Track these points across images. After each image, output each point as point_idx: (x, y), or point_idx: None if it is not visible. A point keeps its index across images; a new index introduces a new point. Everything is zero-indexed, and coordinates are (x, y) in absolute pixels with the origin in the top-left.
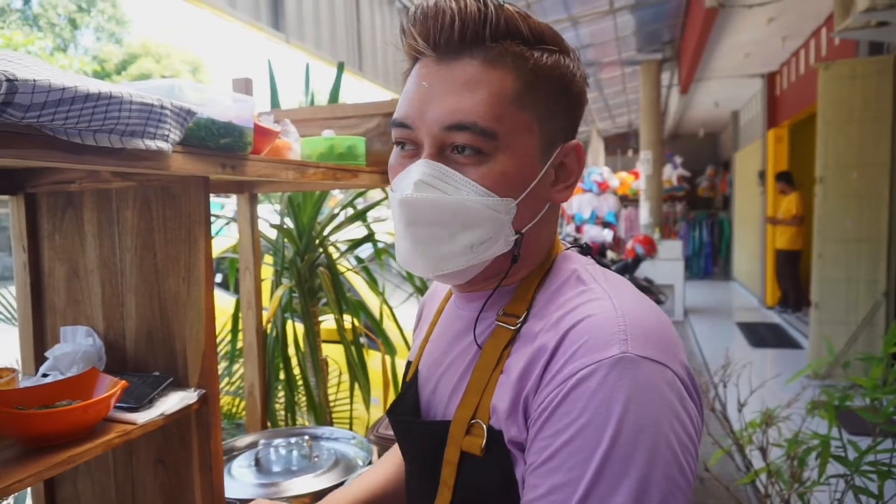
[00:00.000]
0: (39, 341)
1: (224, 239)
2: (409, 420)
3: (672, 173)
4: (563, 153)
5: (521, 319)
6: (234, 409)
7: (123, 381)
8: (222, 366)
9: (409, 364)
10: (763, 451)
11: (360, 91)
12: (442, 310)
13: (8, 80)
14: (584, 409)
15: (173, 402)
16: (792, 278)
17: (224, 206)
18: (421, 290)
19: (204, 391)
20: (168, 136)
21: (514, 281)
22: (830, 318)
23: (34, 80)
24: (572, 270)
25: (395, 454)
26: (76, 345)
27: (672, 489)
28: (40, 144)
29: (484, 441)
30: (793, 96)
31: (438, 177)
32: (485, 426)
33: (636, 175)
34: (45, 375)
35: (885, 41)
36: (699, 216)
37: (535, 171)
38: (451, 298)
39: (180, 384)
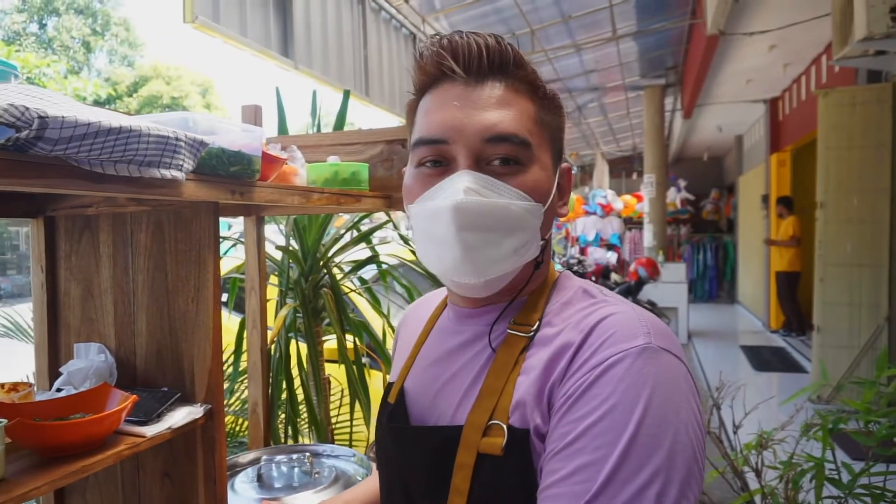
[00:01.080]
0: (54, 357)
1: (229, 260)
2: (414, 427)
3: (676, 196)
4: (561, 173)
5: (534, 328)
6: (236, 428)
7: (134, 396)
8: (225, 385)
9: (390, 385)
10: (758, 473)
11: (368, 115)
12: (428, 332)
13: (40, 116)
14: (612, 393)
15: (180, 416)
16: (791, 301)
17: (231, 226)
18: None
19: (210, 406)
20: (182, 165)
21: (526, 293)
22: (833, 342)
23: (63, 117)
24: (578, 286)
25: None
26: (89, 361)
27: (689, 476)
28: (65, 174)
29: (504, 440)
30: (795, 122)
31: (484, 185)
32: (504, 426)
33: (639, 198)
34: (59, 390)
35: (883, 69)
36: (707, 239)
37: (552, 183)
38: (444, 319)
39: (187, 399)
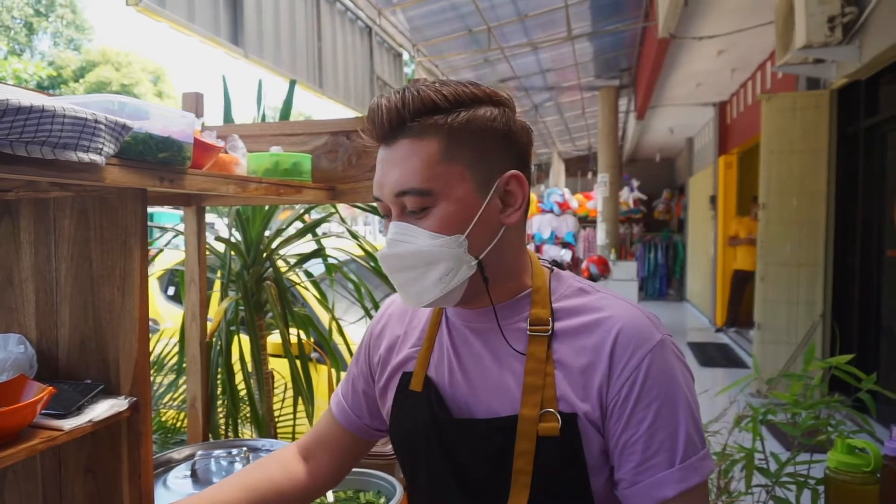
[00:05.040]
0: None
1: (177, 252)
2: (483, 420)
3: (629, 196)
4: (503, 183)
5: (550, 326)
6: (178, 424)
7: (50, 388)
8: (169, 378)
9: (405, 375)
10: None
11: (323, 107)
12: (437, 324)
13: None
14: (661, 385)
15: (103, 409)
16: (740, 299)
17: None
18: (368, 310)
19: (136, 399)
20: (102, 149)
21: (511, 294)
22: (773, 339)
23: None
24: (573, 282)
25: (248, 476)
26: (7, 352)
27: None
28: None
29: (560, 423)
30: (741, 125)
31: (402, 232)
32: (556, 413)
33: (588, 197)
34: None
35: (821, 77)
36: (663, 237)
37: (477, 206)
38: (452, 316)
39: (112, 392)
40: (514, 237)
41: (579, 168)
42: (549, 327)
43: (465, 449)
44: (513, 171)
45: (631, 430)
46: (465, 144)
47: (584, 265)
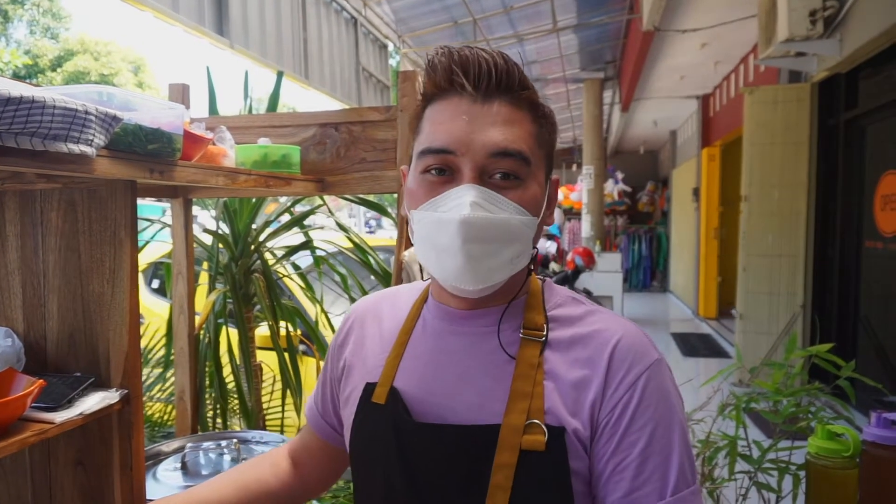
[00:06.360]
0: None
1: (163, 244)
2: (455, 426)
3: (614, 188)
4: (550, 185)
5: (544, 332)
6: (165, 417)
7: (40, 381)
8: (157, 372)
9: (369, 385)
10: None
11: (309, 98)
12: (410, 331)
13: None
14: (658, 406)
15: (93, 401)
16: None
17: (166, 210)
18: (355, 301)
19: (126, 391)
20: (92, 140)
21: (508, 298)
22: (754, 329)
23: None
24: (566, 293)
25: (242, 474)
26: None
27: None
28: None
29: (546, 437)
30: (724, 118)
31: (488, 199)
32: (543, 425)
33: (570, 188)
34: None
35: (802, 70)
36: (655, 229)
37: (545, 196)
38: (431, 319)
39: (102, 385)
40: None
41: (564, 160)
42: (544, 332)
43: (430, 460)
44: (556, 177)
45: (622, 454)
46: (546, 135)
47: (569, 257)
